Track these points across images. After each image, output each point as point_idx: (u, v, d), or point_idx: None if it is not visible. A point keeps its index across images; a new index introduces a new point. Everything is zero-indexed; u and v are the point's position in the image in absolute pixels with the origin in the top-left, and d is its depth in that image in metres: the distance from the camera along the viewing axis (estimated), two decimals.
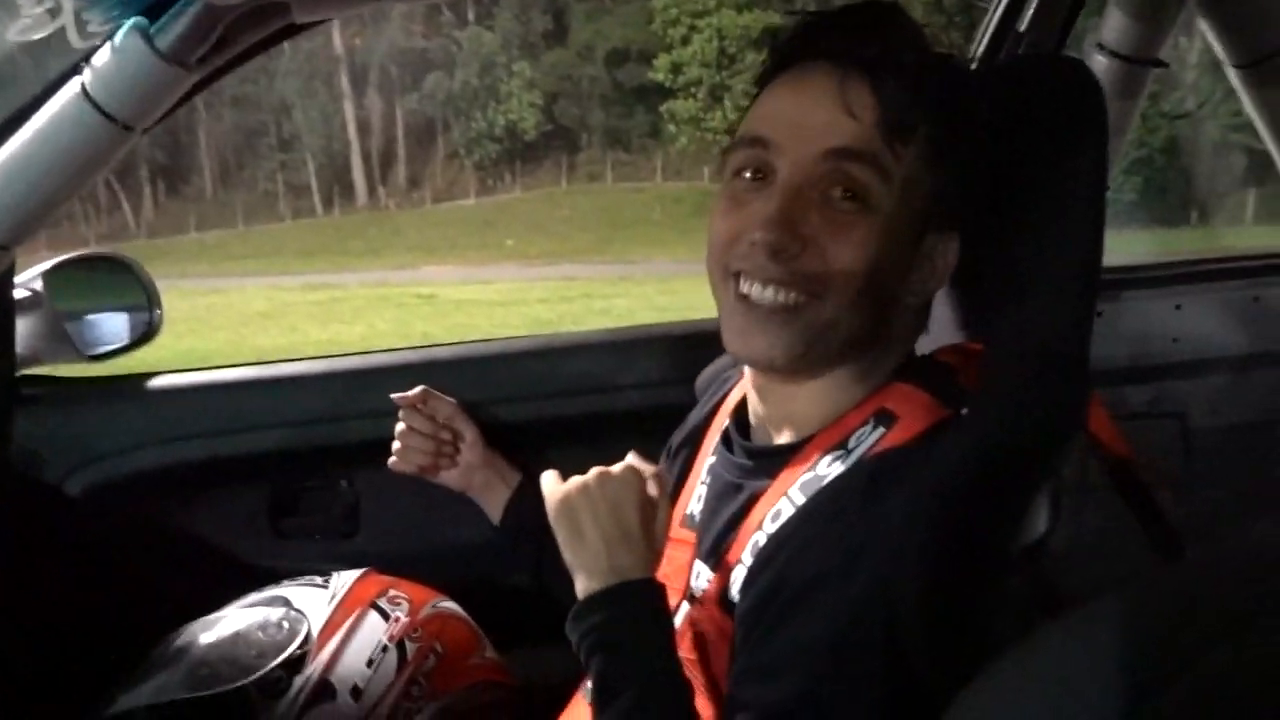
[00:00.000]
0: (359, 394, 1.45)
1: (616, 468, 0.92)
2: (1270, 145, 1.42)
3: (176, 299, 16.52)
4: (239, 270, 21.22)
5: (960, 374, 0.89)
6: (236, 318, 14.00)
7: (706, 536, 0.97)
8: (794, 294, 0.85)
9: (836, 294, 0.84)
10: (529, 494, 1.19)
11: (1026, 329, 0.84)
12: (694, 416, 1.15)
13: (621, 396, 1.44)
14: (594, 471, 0.91)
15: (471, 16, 30.27)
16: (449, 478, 1.33)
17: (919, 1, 22.74)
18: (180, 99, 1.10)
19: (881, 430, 0.86)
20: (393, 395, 1.33)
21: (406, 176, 30.71)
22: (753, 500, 0.92)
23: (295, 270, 20.38)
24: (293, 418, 1.44)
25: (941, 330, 0.99)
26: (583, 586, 0.87)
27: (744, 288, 0.87)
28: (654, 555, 0.90)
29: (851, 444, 0.87)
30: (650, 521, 0.90)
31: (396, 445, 1.32)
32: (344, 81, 30.64)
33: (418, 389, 1.33)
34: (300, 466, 1.47)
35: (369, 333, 12.01)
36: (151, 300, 1.38)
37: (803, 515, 0.85)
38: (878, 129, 0.81)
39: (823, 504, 0.84)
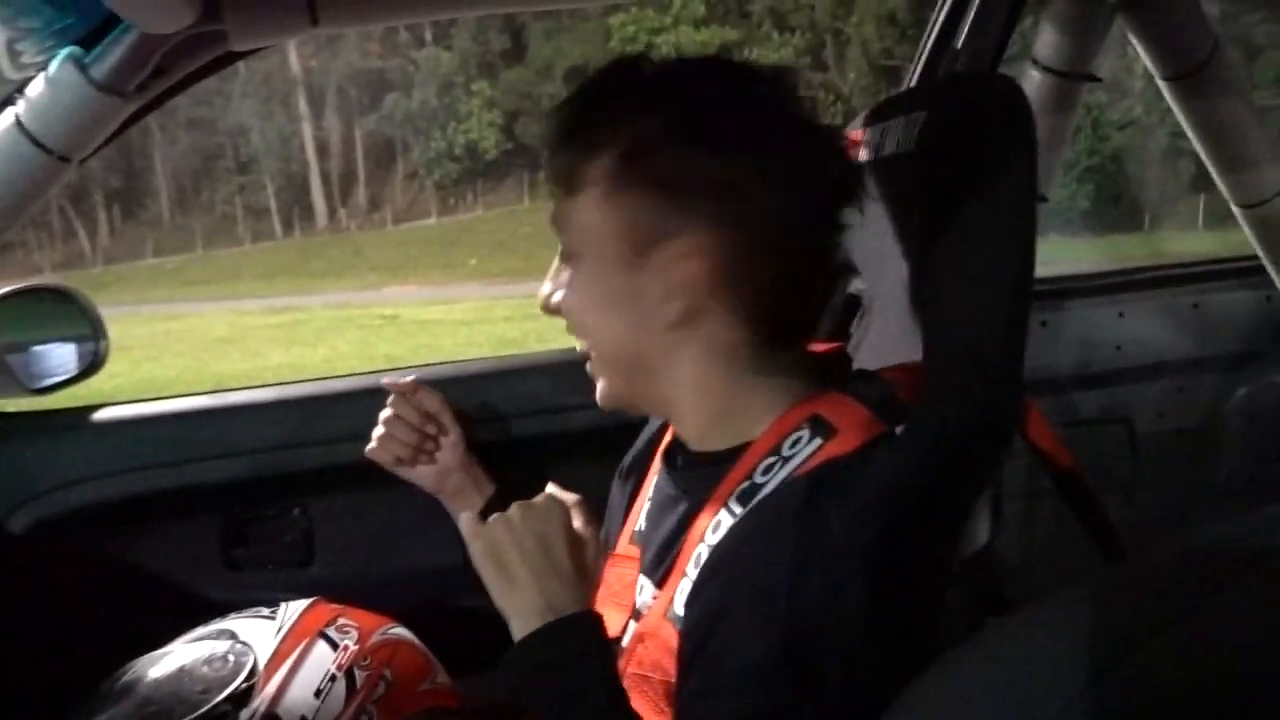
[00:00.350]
0: (311, 421, 1.44)
1: (537, 500, 0.91)
2: (1203, 153, 1.45)
3: (134, 326, 16.34)
4: (199, 295, 21.04)
5: (903, 389, 0.90)
6: (196, 343, 13.87)
7: (649, 551, 0.97)
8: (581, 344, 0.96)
9: (586, 338, 0.94)
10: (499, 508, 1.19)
11: (958, 342, 0.86)
12: (644, 435, 1.15)
13: (578, 416, 1.44)
14: (514, 507, 0.90)
15: (429, 37, 30.24)
16: (423, 475, 1.30)
17: (873, 16, 23.18)
18: (119, 128, 1.09)
19: (819, 441, 0.86)
20: (383, 381, 1.32)
21: (367, 197, 30.60)
22: (693, 512, 0.92)
23: (256, 294, 20.24)
24: (243, 447, 1.42)
25: (895, 348, 1.01)
26: (519, 627, 0.85)
27: None
28: (588, 587, 0.90)
29: (786, 450, 0.87)
30: (580, 553, 0.89)
31: (378, 431, 1.29)
32: (301, 103, 30.50)
33: (409, 377, 1.32)
34: (252, 496, 1.45)
35: (331, 355, 11.92)
36: (97, 330, 1.35)
37: (743, 531, 0.85)
38: (550, 191, 0.91)
39: (763, 520, 0.84)
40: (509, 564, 0.87)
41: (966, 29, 1.41)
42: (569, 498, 0.94)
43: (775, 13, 26.35)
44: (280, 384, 1.54)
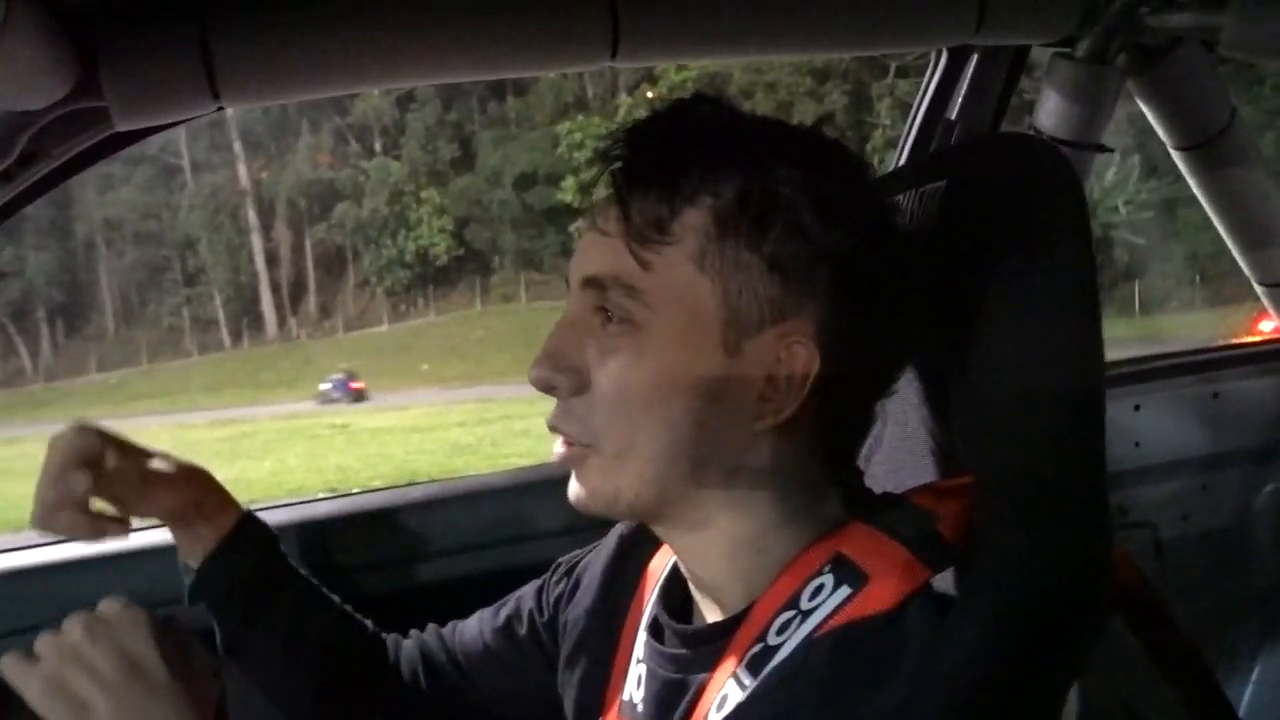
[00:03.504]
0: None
1: (99, 609, 0.71)
2: (1220, 228, 1.34)
3: None
4: (142, 409, 20.63)
5: (944, 523, 0.72)
6: None
7: None
8: (570, 445, 0.73)
9: (609, 430, 0.71)
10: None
11: (1023, 466, 0.68)
12: (606, 554, 0.94)
13: (538, 546, 1.24)
14: (70, 624, 0.71)
15: (378, 147, 30.62)
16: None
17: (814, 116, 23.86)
18: None
19: (846, 590, 0.67)
20: None
21: (317, 305, 30.51)
22: (698, 693, 0.72)
23: (202, 406, 19.88)
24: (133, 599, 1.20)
25: (917, 463, 0.83)
26: None
27: None
28: (201, 704, 0.71)
29: (805, 603, 0.68)
30: (180, 661, 0.71)
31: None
32: (251, 214, 30.52)
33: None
34: None
35: (279, 467, 11.60)
36: None
37: (754, 710, 0.66)
38: (624, 241, 0.69)
39: (773, 692, 0.66)
40: (87, 700, 0.68)
41: (961, 97, 1.28)
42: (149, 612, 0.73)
43: None
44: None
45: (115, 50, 0.85)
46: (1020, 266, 0.70)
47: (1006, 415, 0.70)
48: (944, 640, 0.63)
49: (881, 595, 0.66)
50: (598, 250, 0.71)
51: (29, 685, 0.69)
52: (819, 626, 0.66)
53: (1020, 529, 0.66)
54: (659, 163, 0.69)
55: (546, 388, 0.72)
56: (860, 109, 24.53)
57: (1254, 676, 1.66)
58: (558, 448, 0.74)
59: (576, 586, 0.93)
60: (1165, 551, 1.57)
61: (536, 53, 0.97)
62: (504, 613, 0.97)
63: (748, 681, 0.67)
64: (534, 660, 0.94)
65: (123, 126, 0.93)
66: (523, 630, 0.95)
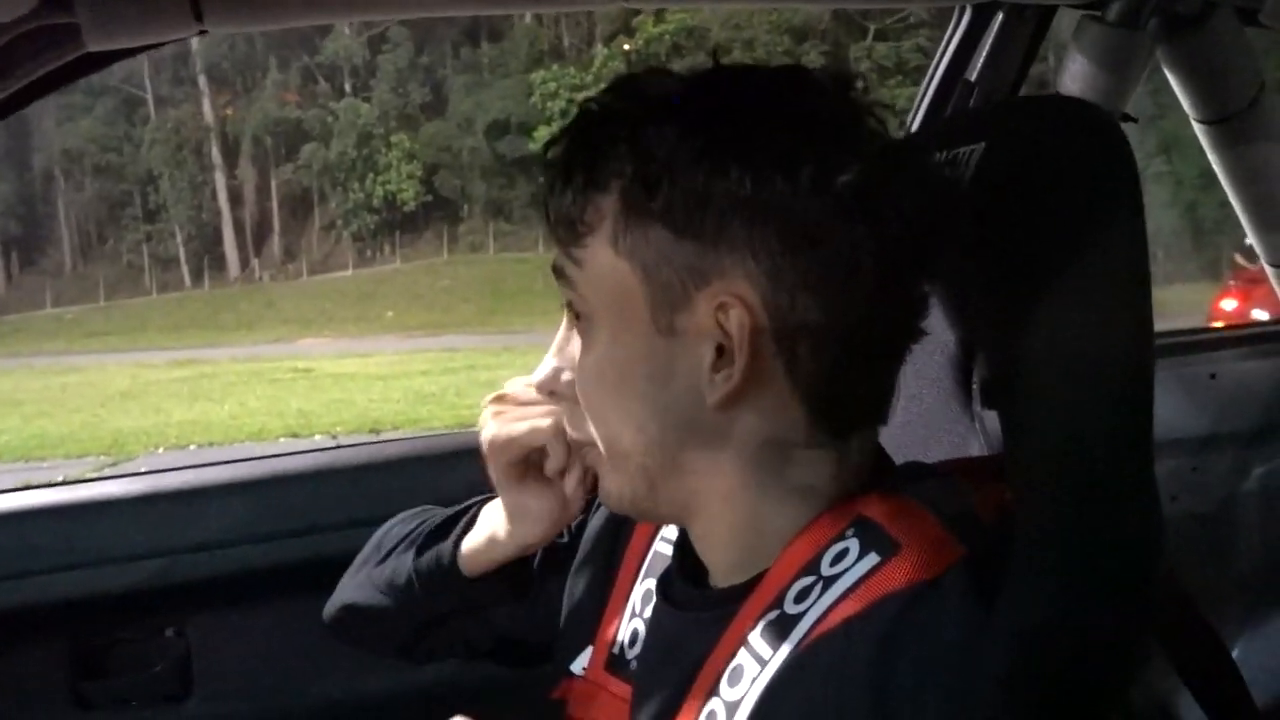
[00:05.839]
0: (187, 521, 1.20)
1: None
2: (1237, 205, 1.32)
3: (28, 379, 15.67)
4: (100, 346, 20.29)
5: (980, 501, 0.68)
6: (95, 398, 13.28)
7: (644, 702, 0.74)
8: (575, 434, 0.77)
9: (594, 431, 0.73)
10: None
11: (1076, 447, 0.64)
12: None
13: None
14: None
15: (348, 88, 30.08)
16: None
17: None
18: None
19: (875, 558, 0.63)
20: None
21: (282, 248, 30.11)
22: (701, 659, 0.69)
23: (161, 346, 19.56)
24: (97, 554, 1.18)
25: (935, 436, 0.79)
26: None
27: None
28: None
29: (827, 568, 0.65)
30: None
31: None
32: (215, 152, 29.96)
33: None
34: (109, 615, 1.20)
35: (240, 410, 11.45)
36: None
37: (784, 692, 0.62)
38: (553, 237, 0.72)
39: (807, 672, 0.62)
40: None
41: (982, 59, 1.23)
42: None
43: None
44: (149, 472, 1.28)
45: None
46: (1071, 237, 0.66)
47: (1053, 393, 0.66)
48: (989, 632, 0.60)
49: (915, 567, 0.62)
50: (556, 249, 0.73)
51: None
52: (845, 596, 0.63)
53: (1067, 512, 0.63)
54: (566, 160, 0.70)
55: (549, 393, 0.76)
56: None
57: (1235, 657, 1.67)
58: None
59: (595, 525, 0.92)
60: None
61: None
62: None
63: (765, 654, 0.64)
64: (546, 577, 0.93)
65: (95, 46, 0.87)
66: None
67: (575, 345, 0.73)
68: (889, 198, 0.66)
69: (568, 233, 0.69)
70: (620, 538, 0.87)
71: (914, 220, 0.66)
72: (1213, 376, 1.57)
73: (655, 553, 0.83)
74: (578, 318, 0.71)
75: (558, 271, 0.72)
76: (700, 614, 0.72)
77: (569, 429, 0.76)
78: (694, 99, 0.68)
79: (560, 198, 0.70)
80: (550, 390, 0.76)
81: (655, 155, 0.65)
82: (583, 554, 0.91)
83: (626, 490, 0.72)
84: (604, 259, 0.68)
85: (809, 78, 0.68)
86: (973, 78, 1.25)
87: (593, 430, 0.72)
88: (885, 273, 0.66)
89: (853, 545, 0.64)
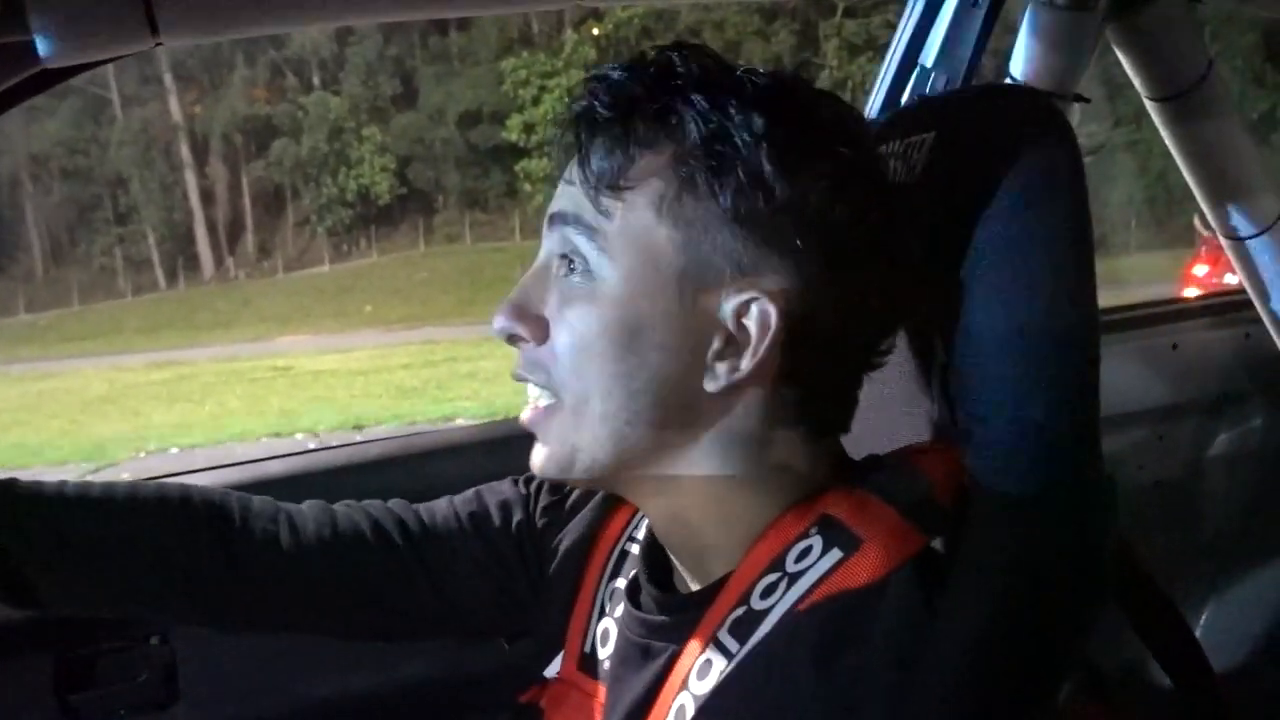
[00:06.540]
0: None
1: None
2: (1191, 181, 1.34)
3: (3, 386, 15.46)
4: (75, 351, 20.02)
5: (936, 486, 0.70)
6: (73, 403, 13.10)
7: (616, 705, 0.75)
8: (538, 392, 0.71)
9: (569, 383, 0.69)
10: None
11: (1020, 424, 0.66)
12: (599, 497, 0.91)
13: None
14: None
15: (316, 81, 29.76)
16: None
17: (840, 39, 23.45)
18: None
19: (837, 554, 0.65)
20: None
21: (256, 246, 29.79)
22: (672, 659, 0.70)
23: (138, 348, 19.33)
24: None
25: (894, 422, 0.81)
26: None
27: None
28: None
29: (791, 565, 0.66)
30: None
31: None
32: (184, 150, 29.58)
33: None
34: (92, 624, 1.19)
35: (220, 411, 11.36)
36: None
37: (743, 683, 0.64)
38: (582, 186, 0.68)
39: (764, 664, 0.64)
40: None
41: (938, 46, 1.25)
42: None
43: None
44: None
45: None
46: (1016, 219, 0.69)
47: (1002, 373, 0.69)
48: (944, 609, 0.62)
49: (876, 561, 0.64)
50: (565, 195, 0.69)
51: None
52: (809, 593, 0.64)
53: (1019, 487, 0.65)
54: (618, 109, 0.67)
55: (508, 337, 0.71)
56: (808, 49, 24.36)
57: (1203, 621, 1.71)
58: (526, 412, 0.72)
59: (565, 510, 0.91)
60: (1120, 500, 1.59)
61: None
62: (484, 501, 0.93)
63: (733, 647, 0.66)
64: (506, 558, 0.91)
65: (51, 63, 0.87)
66: (500, 526, 0.92)
67: (542, 297, 0.70)
68: (910, 235, 0.70)
69: (606, 180, 0.67)
70: (589, 546, 0.87)
71: (899, 223, 0.70)
72: (1174, 347, 1.60)
73: (621, 551, 0.84)
74: (571, 267, 0.68)
75: (568, 218, 0.68)
76: (669, 618, 0.74)
77: (527, 372, 0.71)
78: (780, 94, 0.67)
79: (606, 138, 0.67)
80: (511, 336, 0.71)
81: (734, 137, 0.65)
82: (556, 567, 0.88)
83: (584, 454, 0.69)
84: (643, 219, 0.66)
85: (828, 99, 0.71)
86: (929, 63, 1.27)
87: (562, 383, 0.69)
88: (896, 300, 0.70)
89: (816, 542, 0.66)
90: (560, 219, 0.69)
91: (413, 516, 0.91)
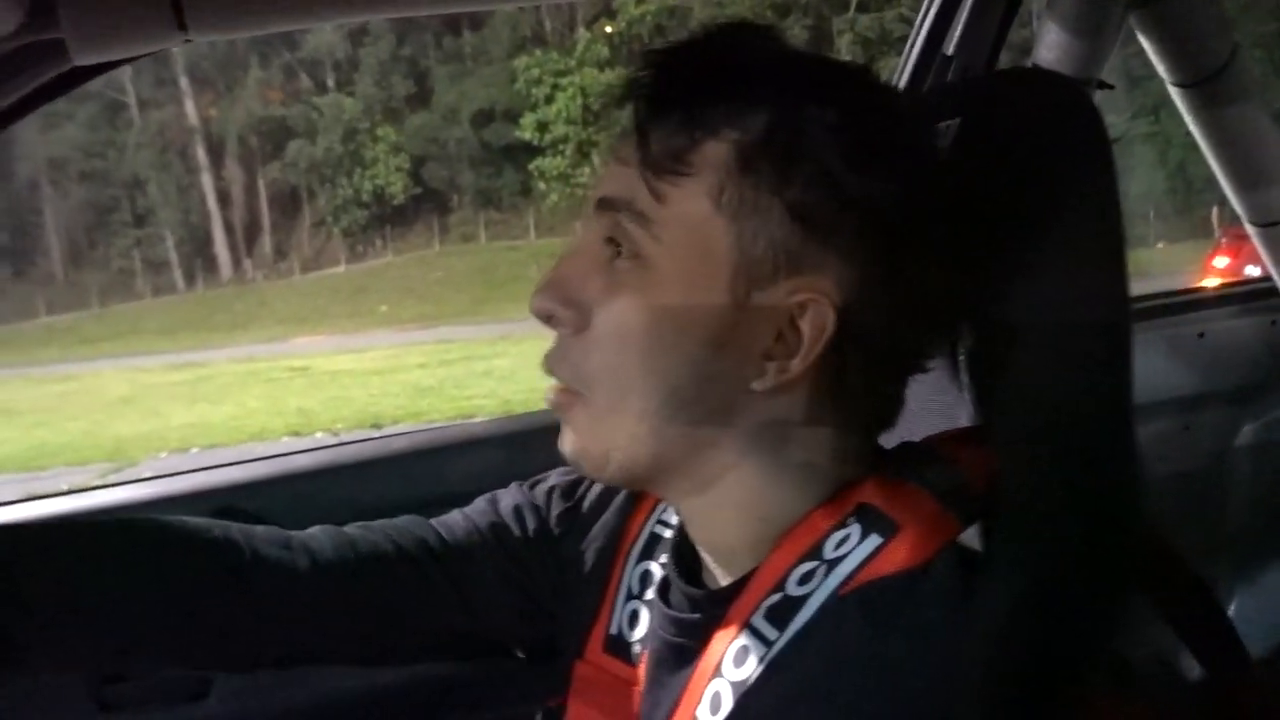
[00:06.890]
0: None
1: None
2: (1215, 167, 1.32)
3: (25, 388, 15.60)
4: (94, 353, 20.20)
5: (972, 473, 0.69)
6: (93, 404, 13.24)
7: (652, 706, 0.75)
8: (561, 391, 0.68)
9: (603, 379, 0.66)
10: None
11: (1055, 410, 0.66)
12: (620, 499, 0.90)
13: None
14: None
15: (331, 82, 29.88)
16: None
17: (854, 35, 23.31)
18: None
19: (876, 540, 0.65)
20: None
21: (273, 247, 29.96)
22: (702, 647, 0.70)
23: (157, 350, 19.49)
24: None
25: (923, 410, 0.80)
26: None
27: None
28: None
29: (830, 552, 0.66)
30: None
31: None
32: (200, 153, 29.76)
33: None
34: None
35: (239, 411, 11.42)
36: None
37: (784, 666, 0.64)
38: (639, 170, 0.64)
39: (806, 651, 0.63)
40: None
41: (959, 32, 1.24)
42: None
43: None
44: (155, 477, 1.29)
45: None
46: (1046, 208, 0.68)
47: (1032, 360, 0.68)
48: (978, 596, 0.62)
49: (916, 546, 0.63)
50: (616, 177, 0.66)
51: None
52: (849, 578, 0.63)
53: (1049, 475, 0.65)
54: (682, 90, 0.64)
55: (547, 318, 0.67)
56: (821, 44, 24.29)
57: (1230, 612, 1.69)
58: (551, 394, 0.69)
59: (583, 515, 0.88)
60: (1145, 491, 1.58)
61: None
62: (499, 510, 0.89)
63: (770, 634, 0.65)
64: (529, 567, 0.87)
65: (81, 61, 0.87)
66: (520, 536, 0.88)
67: (584, 280, 0.67)
68: (973, 239, 0.67)
69: (663, 164, 0.64)
70: (615, 541, 0.85)
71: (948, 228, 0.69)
72: (1201, 336, 1.58)
73: (651, 534, 0.83)
74: (619, 253, 0.65)
75: (618, 202, 0.65)
76: (700, 615, 0.73)
77: (555, 366, 0.69)
78: (854, 86, 0.65)
79: (668, 119, 0.64)
80: (550, 317, 0.67)
81: (805, 129, 0.62)
82: (578, 571, 0.85)
83: (619, 454, 0.67)
84: (699, 208, 0.64)
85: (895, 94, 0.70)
86: (950, 51, 1.26)
87: (595, 379, 0.67)
88: (953, 305, 0.68)
89: (854, 530, 0.65)
90: (610, 203, 0.66)
91: (432, 534, 0.86)
